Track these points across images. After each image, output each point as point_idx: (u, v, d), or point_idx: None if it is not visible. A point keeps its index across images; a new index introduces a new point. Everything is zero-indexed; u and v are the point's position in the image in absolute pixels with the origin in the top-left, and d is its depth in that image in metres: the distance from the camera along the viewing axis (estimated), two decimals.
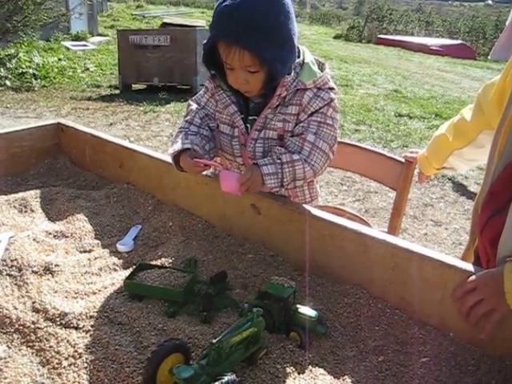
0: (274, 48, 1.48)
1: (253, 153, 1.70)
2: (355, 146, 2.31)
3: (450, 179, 5.22)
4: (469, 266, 1.28)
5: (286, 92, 1.60)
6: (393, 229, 2.16)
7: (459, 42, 21.00)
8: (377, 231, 1.49)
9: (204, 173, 1.82)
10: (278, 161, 1.55)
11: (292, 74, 1.60)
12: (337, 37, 23.62)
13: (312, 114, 1.62)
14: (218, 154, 1.85)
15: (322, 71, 1.66)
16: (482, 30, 23.34)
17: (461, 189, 5.05)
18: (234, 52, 1.48)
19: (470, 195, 4.86)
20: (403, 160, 2.12)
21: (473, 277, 1.24)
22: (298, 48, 1.64)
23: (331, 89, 1.65)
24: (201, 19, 18.18)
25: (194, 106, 1.80)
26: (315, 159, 1.59)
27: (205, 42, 1.54)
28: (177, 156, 1.65)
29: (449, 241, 3.94)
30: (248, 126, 1.70)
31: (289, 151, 1.59)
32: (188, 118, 1.77)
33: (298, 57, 1.64)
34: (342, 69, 12.84)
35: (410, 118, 7.88)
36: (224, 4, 1.48)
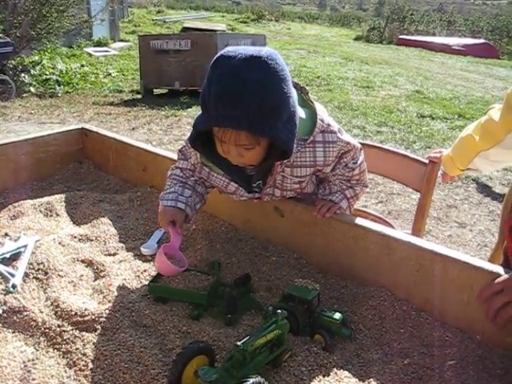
0: (282, 124, 1.30)
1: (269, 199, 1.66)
2: (377, 147, 2.29)
3: (474, 180, 5.15)
4: (495, 268, 1.26)
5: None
6: (417, 231, 2.13)
7: (482, 41, 20.77)
8: (401, 233, 1.47)
9: None
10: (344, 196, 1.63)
11: None
12: (357, 38, 23.51)
13: (340, 159, 1.56)
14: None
15: (306, 102, 1.50)
16: (505, 29, 23.06)
17: (485, 190, 4.98)
18: (231, 133, 1.31)
19: (495, 196, 4.79)
20: (426, 161, 2.09)
21: (500, 278, 1.22)
22: None
23: (329, 125, 1.49)
24: (221, 23, 18.25)
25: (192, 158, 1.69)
26: (364, 179, 1.67)
27: (199, 125, 1.37)
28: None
29: (474, 243, 3.89)
30: (255, 185, 1.58)
31: (349, 187, 1.64)
32: (189, 166, 1.69)
33: None
34: (363, 70, 12.77)
35: (433, 118, 7.80)
36: (221, 86, 1.25)
